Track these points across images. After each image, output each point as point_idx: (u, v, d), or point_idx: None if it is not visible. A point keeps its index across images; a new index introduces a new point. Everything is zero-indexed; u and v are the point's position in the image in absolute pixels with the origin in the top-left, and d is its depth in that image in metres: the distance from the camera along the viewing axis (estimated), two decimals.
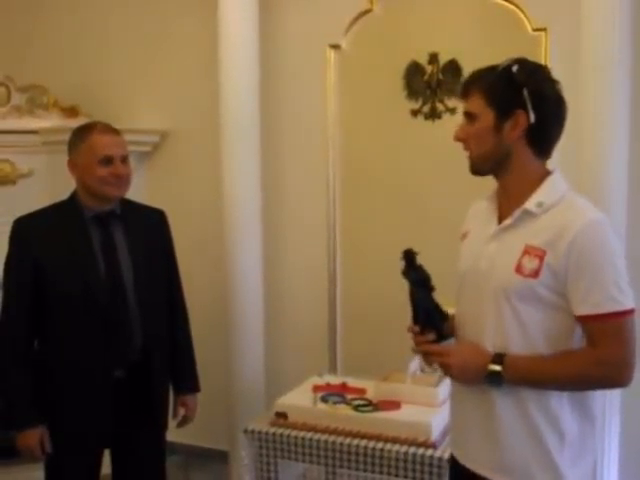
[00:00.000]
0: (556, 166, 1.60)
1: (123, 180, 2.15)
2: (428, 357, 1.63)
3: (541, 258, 1.45)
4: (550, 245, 1.45)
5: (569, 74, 2.69)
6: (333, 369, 3.27)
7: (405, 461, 2.11)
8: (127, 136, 3.54)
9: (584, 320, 1.45)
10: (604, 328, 1.44)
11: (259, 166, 3.23)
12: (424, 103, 3.08)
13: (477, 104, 1.53)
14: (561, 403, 1.51)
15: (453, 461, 1.72)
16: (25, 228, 2.14)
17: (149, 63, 3.64)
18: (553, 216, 1.49)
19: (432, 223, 3.10)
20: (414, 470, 2.08)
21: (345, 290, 3.30)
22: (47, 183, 3.40)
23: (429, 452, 2.06)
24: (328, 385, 2.42)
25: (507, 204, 1.57)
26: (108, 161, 2.10)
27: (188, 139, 3.59)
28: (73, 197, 2.18)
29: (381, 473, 2.15)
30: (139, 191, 3.69)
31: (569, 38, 2.66)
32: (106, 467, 2.31)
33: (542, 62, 2.70)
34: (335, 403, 2.28)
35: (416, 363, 2.39)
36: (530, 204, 1.51)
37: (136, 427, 2.20)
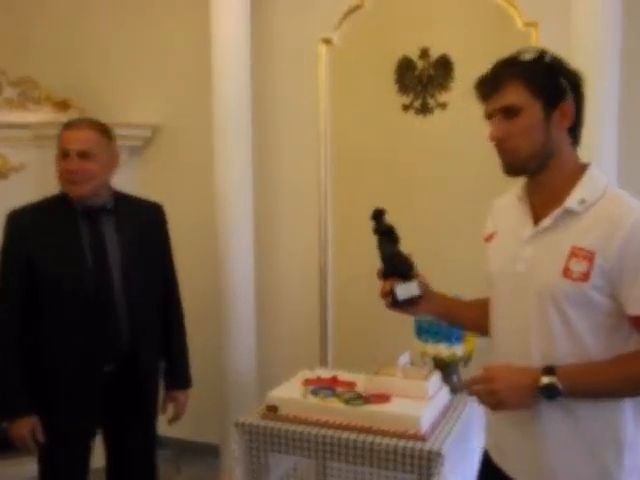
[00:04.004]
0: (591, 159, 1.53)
1: (76, 176, 2.08)
2: (474, 388, 1.45)
3: (590, 260, 1.35)
4: (599, 245, 1.35)
5: None
6: (324, 362, 3.28)
7: (395, 454, 2.11)
8: (118, 130, 3.54)
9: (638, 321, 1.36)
10: None
11: (251, 161, 3.23)
12: (415, 98, 3.09)
13: (520, 96, 1.39)
14: (622, 408, 1.41)
15: (486, 459, 1.63)
16: (18, 221, 2.14)
17: (142, 58, 3.64)
18: (598, 213, 1.38)
19: (423, 216, 3.12)
20: (404, 463, 2.09)
21: (336, 284, 3.31)
22: (38, 177, 3.39)
23: (419, 445, 2.07)
24: (319, 378, 2.42)
25: (542, 202, 1.46)
26: (65, 155, 2.09)
27: (180, 134, 3.59)
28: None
29: (371, 466, 2.16)
30: (130, 185, 3.69)
31: (560, 33, 2.67)
32: (100, 460, 2.33)
33: None
34: (326, 396, 2.29)
35: (406, 356, 2.40)
36: (571, 202, 1.40)
37: (126, 418, 2.22)
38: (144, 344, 2.21)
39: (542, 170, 1.45)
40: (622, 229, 1.33)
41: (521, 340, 1.47)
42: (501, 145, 1.44)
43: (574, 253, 1.37)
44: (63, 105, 3.59)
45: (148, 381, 2.25)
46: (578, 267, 1.36)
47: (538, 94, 1.39)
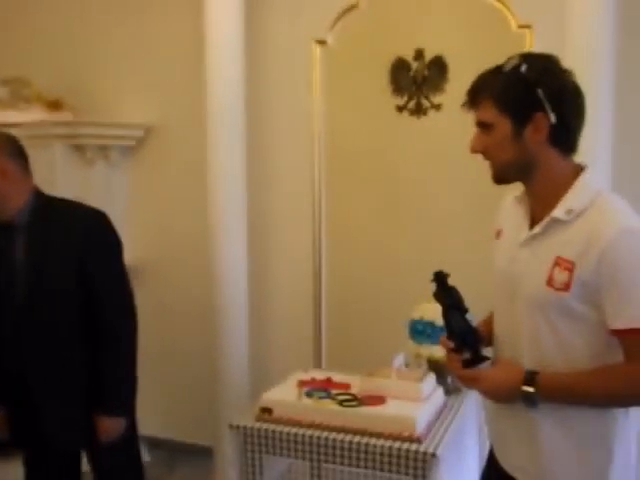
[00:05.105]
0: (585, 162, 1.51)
1: None
2: (463, 383, 1.59)
3: (571, 270, 1.37)
4: (580, 256, 1.37)
5: None
6: (318, 364, 3.28)
7: (390, 455, 2.11)
8: (111, 130, 3.54)
9: (619, 334, 1.37)
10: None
11: (244, 162, 3.22)
12: (410, 99, 3.08)
13: (489, 113, 1.43)
14: (611, 411, 1.43)
15: (491, 458, 1.67)
16: None
17: (135, 58, 3.62)
18: (583, 223, 1.39)
19: (417, 218, 3.12)
20: (399, 464, 2.09)
21: (330, 285, 3.30)
22: None
23: (414, 446, 2.07)
24: (313, 380, 2.41)
25: (538, 208, 1.49)
26: None
27: (173, 134, 3.57)
28: None
29: (366, 468, 2.15)
30: (123, 185, 3.69)
31: (554, 35, 2.67)
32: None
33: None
34: (320, 398, 2.28)
35: (401, 358, 2.40)
36: (559, 212, 1.42)
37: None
38: (40, 375, 2.11)
39: (527, 179, 1.48)
40: (600, 242, 1.34)
41: (514, 341, 1.52)
42: (483, 156, 1.49)
43: (558, 263, 1.40)
44: (55, 105, 3.57)
45: (44, 408, 2.14)
46: (560, 277, 1.39)
47: (506, 110, 1.41)
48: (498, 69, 1.45)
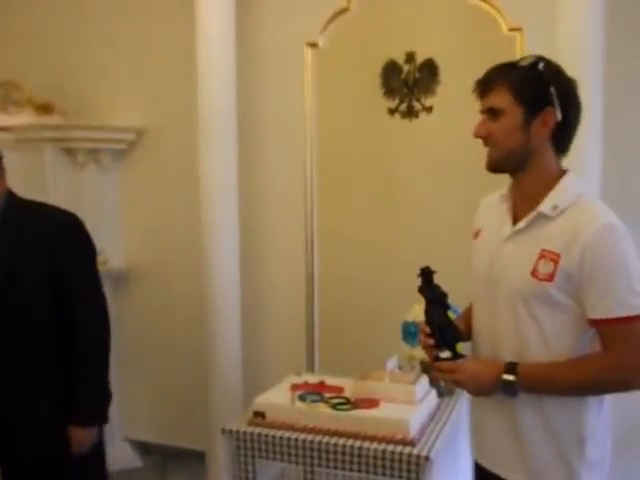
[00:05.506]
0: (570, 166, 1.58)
1: None
2: (440, 374, 1.62)
3: (556, 262, 1.45)
4: (564, 249, 1.45)
5: None
6: (311, 367, 3.27)
7: (383, 459, 2.10)
8: (102, 133, 3.54)
9: (597, 324, 1.44)
10: (616, 332, 1.42)
11: (236, 165, 3.22)
12: (401, 102, 3.09)
13: (504, 99, 1.49)
14: (586, 404, 1.50)
15: (477, 466, 1.73)
16: None
17: (126, 61, 3.61)
18: (567, 219, 1.47)
19: (408, 219, 3.12)
20: (392, 468, 2.08)
21: (323, 287, 3.30)
22: (20, 181, 3.31)
23: (407, 449, 2.06)
24: (306, 384, 2.40)
25: (522, 204, 1.55)
26: None
27: (165, 137, 3.57)
28: None
29: (360, 471, 2.14)
30: (114, 189, 3.67)
31: (544, 38, 2.68)
32: None
33: None
34: (313, 401, 2.27)
35: (394, 361, 2.40)
36: (545, 207, 1.50)
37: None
38: (8, 387, 2.06)
39: (521, 171, 1.54)
40: (583, 237, 1.42)
41: (494, 340, 1.58)
42: (484, 142, 1.55)
43: (543, 255, 1.47)
44: (45, 108, 3.55)
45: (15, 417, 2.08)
46: (545, 268, 1.46)
47: (521, 100, 1.48)
48: (513, 64, 1.53)
